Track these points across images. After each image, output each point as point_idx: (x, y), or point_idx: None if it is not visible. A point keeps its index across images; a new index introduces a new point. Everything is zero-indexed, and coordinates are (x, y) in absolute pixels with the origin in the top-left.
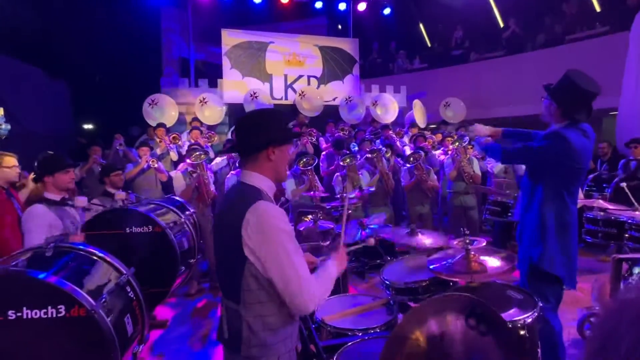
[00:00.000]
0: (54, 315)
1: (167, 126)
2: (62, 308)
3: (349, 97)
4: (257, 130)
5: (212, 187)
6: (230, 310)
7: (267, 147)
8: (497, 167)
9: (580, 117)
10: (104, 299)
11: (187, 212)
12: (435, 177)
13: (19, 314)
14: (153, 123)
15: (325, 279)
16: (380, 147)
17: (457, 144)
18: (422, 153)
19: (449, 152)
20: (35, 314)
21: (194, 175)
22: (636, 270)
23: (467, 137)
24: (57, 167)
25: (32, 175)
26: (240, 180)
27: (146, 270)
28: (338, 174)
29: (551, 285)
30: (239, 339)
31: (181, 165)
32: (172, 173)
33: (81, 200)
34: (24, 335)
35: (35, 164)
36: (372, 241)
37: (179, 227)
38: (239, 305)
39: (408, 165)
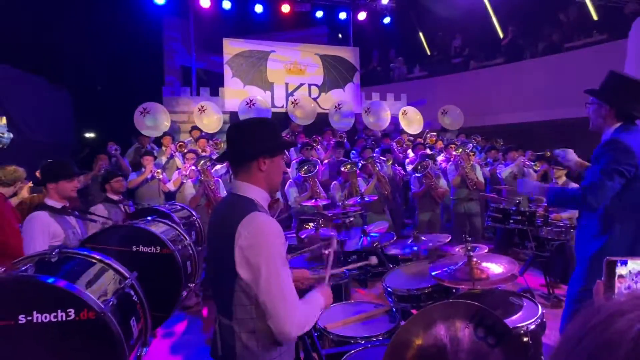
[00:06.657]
0: (64, 319)
1: (161, 135)
2: (71, 311)
3: (338, 104)
4: (248, 140)
5: (224, 192)
6: (223, 326)
7: (257, 158)
8: (505, 172)
9: (637, 114)
10: (111, 302)
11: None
12: (445, 182)
13: (29, 318)
14: (145, 132)
15: (312, 308)
16: (378, 155)
17: (460, 150)
18: (430, 161)
19: (452, 159)
20: (45, 317)
21: (201, 182)
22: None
23: (470, 144)
24: (61, 175)
25: (29, 184)
26: (231, 192)
27: (147, 292)
28: (335, 182)
29: None
30: (233, 356)
31: (176, 173)
32: (173, 179)
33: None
34: (34, 339)
35: (39, 169)
36: (374, 259)
37: (185, 249)
38: (232, 321)
39: (417, 174)
